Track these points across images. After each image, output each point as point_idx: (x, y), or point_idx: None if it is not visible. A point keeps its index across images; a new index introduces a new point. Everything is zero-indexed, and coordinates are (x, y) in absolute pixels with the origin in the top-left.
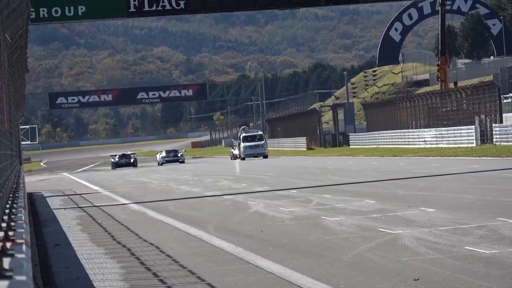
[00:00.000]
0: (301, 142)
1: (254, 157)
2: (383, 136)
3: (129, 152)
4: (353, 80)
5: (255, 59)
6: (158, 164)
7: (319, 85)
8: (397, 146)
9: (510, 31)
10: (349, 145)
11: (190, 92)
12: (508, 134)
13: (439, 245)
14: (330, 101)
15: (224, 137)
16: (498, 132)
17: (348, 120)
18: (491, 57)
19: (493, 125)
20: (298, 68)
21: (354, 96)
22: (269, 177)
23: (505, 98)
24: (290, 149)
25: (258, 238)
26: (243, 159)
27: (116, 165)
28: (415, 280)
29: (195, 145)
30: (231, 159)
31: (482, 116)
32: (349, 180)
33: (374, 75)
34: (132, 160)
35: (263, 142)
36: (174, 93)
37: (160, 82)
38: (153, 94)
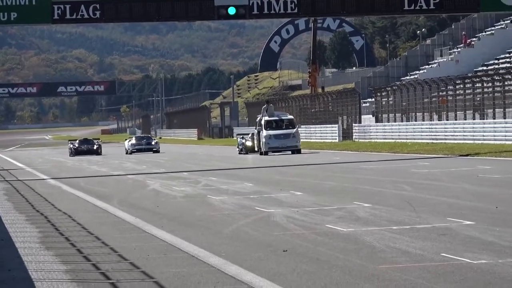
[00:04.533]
0: (193, 133)
1: (280, 151)
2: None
3: (91, 137)
4: (238, 82)
5: (157, 62)
6: (127, 153)
7: (210, 86)
8: None
9: (370, 47)
10: (233, 137)
11: (102, 88)
12: (365, 133)
13: (304, 223)
14: (218, 99)
15: (128, 126)
16: (357, 130)
17: (233, 116)
18: (354, 68)
19: (353, 124)
20: (193, 71)
21: (238, 96)
22: (164, 161)
23: (364, 102)
24: (184, 138)
25: (154, 212)
26: (265, 153)
27: (75, 152)
28: (284, 251)
29: (104, 132)
30: (240, 152)
31: (345, 117)
32: (233, 166)
33: (256, 79)
34: (95, 147)
35: (294, 130)
36: (89, 88)
37: (77, 78)
38: (70, 88)
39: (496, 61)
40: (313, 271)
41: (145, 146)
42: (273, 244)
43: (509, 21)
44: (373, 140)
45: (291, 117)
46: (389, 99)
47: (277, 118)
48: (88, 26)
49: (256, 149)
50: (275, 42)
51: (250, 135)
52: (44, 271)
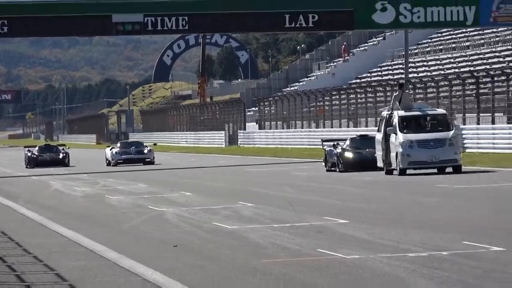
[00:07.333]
0: (92, 138)
1: (428, 167)
2: (155, 136)
3: (55, 144)
4: (134, 92)
5: (60, 73)
6: (109, 164)
7: (108, 95)
8: (165, 144)
9: (254, 60)
10: None
11: (9, 96)
12: (249, 139)
13: (193, 221)
14: (115, 108)
15: (33, 132)
16: (242, 136)
17: (129, 123)
18: (239, 80)
19: (239, 131)
20: (92, 81)
21: (134, 105)
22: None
23: (249, 111)
24: (83, 143)
25: (57, 210)
26: (402, 172)
27: (35, 163)
28: (174, 246)
29: (11, 136)
30: (331, 169)
31: (231, 124)
32: (128, 168)
33: (150, 90)
34: (61, 156)
35: (451, 133)
36: None
37: None
38: None
39: (369, 74)
40: (202, 265)
41: (136, 155)
42: (165, 240)
43: (381, 38)
44: (257, 146)
45: (442, 111)
46: (272, 108)
47: (419, 112)
48: None
49: (380, 164)
50: (168, 55)
51: (348, 142)
52: None
